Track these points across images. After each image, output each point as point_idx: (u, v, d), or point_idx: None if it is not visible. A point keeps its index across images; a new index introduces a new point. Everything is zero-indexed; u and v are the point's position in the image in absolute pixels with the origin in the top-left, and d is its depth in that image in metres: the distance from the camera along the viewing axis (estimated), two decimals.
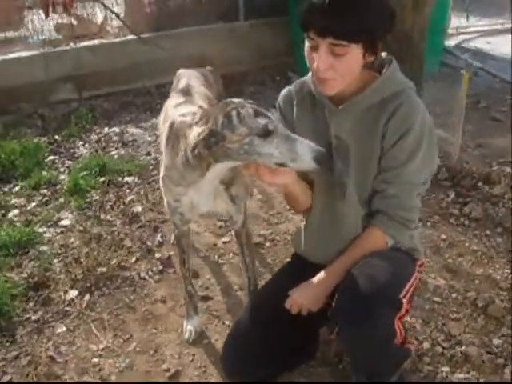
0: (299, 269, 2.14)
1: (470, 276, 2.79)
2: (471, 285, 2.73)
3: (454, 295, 2.66)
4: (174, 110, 2.29)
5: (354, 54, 1.76)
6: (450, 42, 6.54)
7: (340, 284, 1.88)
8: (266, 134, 1.72)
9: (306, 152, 1.70)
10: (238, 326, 2.22)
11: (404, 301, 1.81)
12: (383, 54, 1.92)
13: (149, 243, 3.24)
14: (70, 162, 4.32)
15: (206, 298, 2.78)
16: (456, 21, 6.76)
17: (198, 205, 2.18)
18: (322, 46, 1.74)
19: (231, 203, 2.23)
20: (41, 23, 5.53)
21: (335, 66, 1.76)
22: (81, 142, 4.69)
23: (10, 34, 5.64)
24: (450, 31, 6.43)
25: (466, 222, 3.23)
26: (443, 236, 3.12)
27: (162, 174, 2.21)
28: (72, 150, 4.53)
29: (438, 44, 5.60)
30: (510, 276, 2.78)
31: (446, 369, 2.26)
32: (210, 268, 3.03)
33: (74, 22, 5.55)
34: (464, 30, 7.07)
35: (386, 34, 1.81)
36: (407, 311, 1.87)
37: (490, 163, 3.86)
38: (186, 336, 2.51)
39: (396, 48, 3.50)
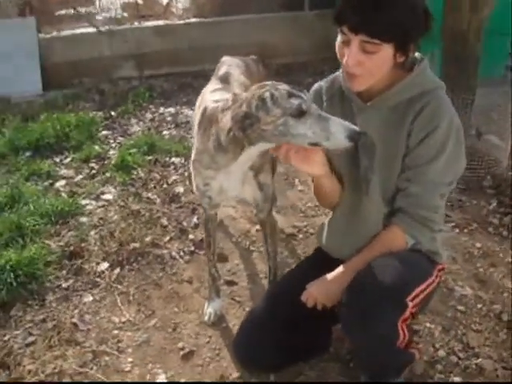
0: (320, 263, 2.13)
1: (499, 288, 2.71)
2: (499, 297, 2.65)
3: (479, 306, 2.59)
4: (209, 95, 2.32)
5: (385, 53, 1.74)
6: None
7: None
8: (299, 114, 1.72)
9: (339, 131, 1.70)
10: (253, 314, 2.24)
11: (410, 304, 1.78)
12: (416, 54, 1.89)
13: (184, 224, 3.30)
14: (122, 139, 4.44)
15: (231, 283, 2.82)
16: None
17: (226, 189, 2.22)
18: (354, 42, 1.73)
19: (259, 190, 2.26)
20: (108, 1, 5.68)
21: (365, 63, 1.75)
22: (135, 120, 4.81)
23: (79, 10, 5.80)
24: None
25: (505, 233, 3.13)
26: (478, 244, 3.03)
27: (192, 158, 2.26)
28: (125, 127, 4.65)
29: (504, 47, 5.41)
30: None
31: (457, 379, 2.20)
32: (239, 254, 3.06)
33: (140, 2, 5.66)
34: None
35: (420, 36, 1.79)
36: (412, 314, 1.84)
37: None
38: (206, 318, 2.55)
39: (451, 49, 3.47)
